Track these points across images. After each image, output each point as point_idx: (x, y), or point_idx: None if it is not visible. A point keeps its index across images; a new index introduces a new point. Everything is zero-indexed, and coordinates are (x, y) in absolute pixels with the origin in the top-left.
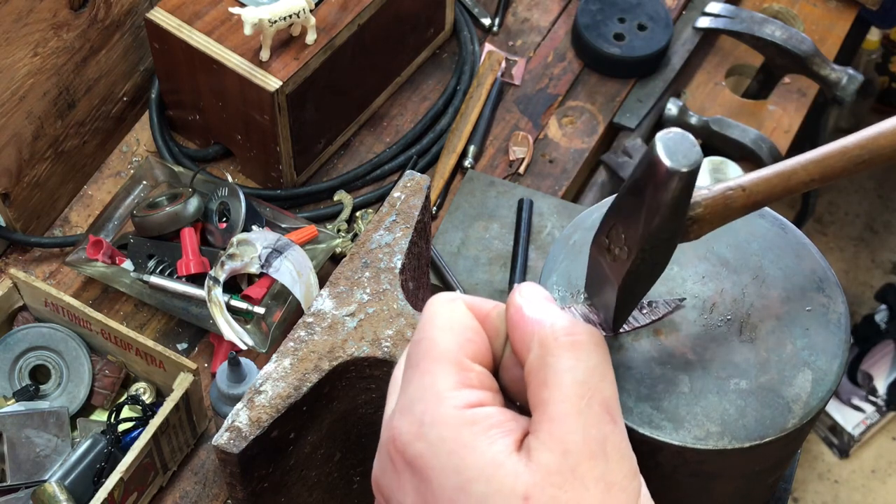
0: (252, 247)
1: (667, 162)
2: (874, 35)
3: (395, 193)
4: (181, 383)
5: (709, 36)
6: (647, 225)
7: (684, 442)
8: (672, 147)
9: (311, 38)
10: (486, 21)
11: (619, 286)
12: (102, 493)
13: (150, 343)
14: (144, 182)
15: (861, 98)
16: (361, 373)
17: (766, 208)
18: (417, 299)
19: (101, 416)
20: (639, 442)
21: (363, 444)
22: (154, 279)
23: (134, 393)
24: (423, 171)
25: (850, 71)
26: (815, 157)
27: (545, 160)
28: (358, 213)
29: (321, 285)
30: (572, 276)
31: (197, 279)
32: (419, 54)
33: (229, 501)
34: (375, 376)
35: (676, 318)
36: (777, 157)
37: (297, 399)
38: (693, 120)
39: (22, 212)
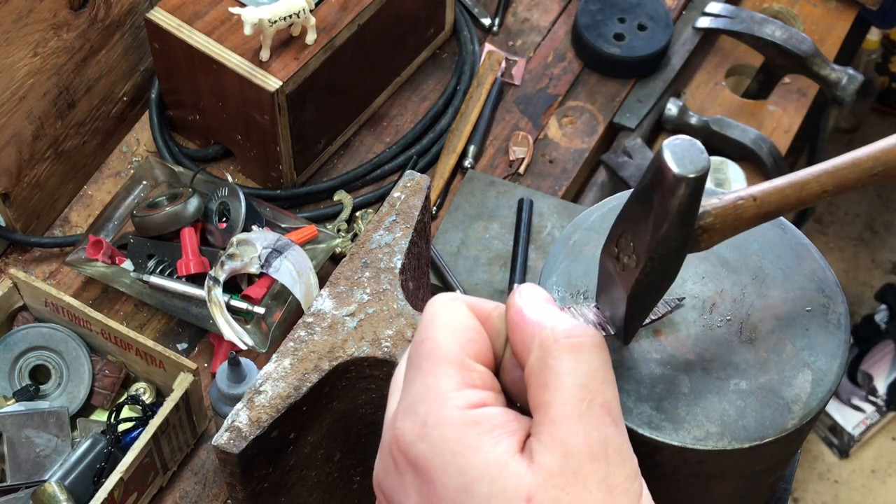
0: (252, 247)
1: (674, 168)
2: (874, 35)
3: (395, 193)
4: (181, 383)
5: (709, 36)
6: (655, 232)
7: (684, 442)
8: (679, 153)
9: (311, 38)
10: (486, 21)
11: (629, 295)
12: (102, 493)
13: (150, 343)
14: (144, 182)
15: (861, 98)
16: (361, 373)
17: None
18: (417, 299)
19: (101, 416)
20: (639, 442)
21: (363, 444)
22: (154, 279)
23: (134, 393)
24: (423, 171)
25: (850, 71)
26: (827, 169)
27: (545, 160)
28: (358, 213)
29: (321, 285)
30: (572, 276)
31: (197, 279)
32: (419, 54)
33: (229, 501)
34: (375, 376)
35: (676, 319)
36: (777, 157)
37: (297, 399)
38: (693, 120)
39: (22, 212)
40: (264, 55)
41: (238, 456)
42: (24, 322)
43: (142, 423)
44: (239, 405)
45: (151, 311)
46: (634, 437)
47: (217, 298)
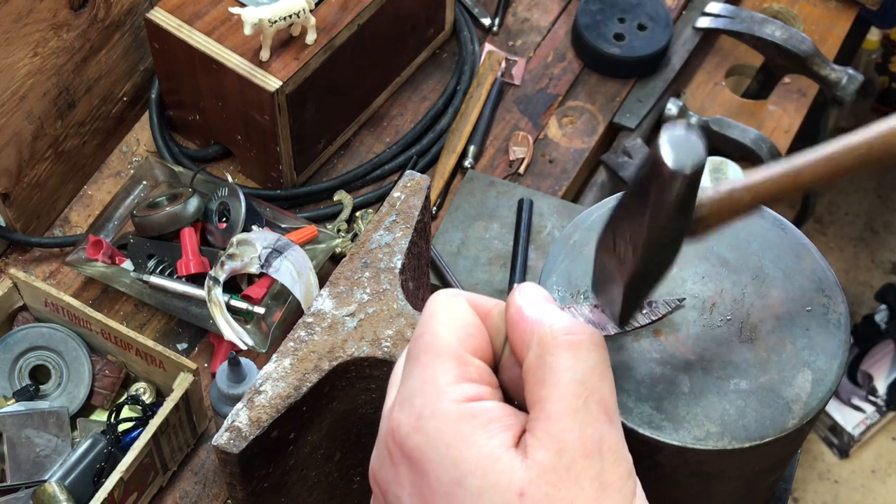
0: (252, 247)
1: (670, 163)
2: (874, 35)
3: (395, 193)
4: (181, 383)
5: (709, 36)
6: (651, 225)
7: (684, 442)
8: (676, 146)
9: (311, 38)
10: (486, 21)
11: (625, 286)
12: (102, 493)
13: (150, 343)
14: (144, 182)
15: (861, 98)
16: (361, 373)
17: (766, 208)
18: (417, 299)
19: (101, 416)
20: (639, 442)
21: (363, 444)
22: (154, 279)
23: (134, 393)
24: (423, 171)
25: (850, 71)
26: (822, 156)
27: (545, 160)
28: (358, 213)
29: (321, 285)
30: (572, 276)
31: (197, 279)
32: (419, 54)
33: (229, 501)
34: (375, 376)
35: (676, 319)
36: (777, 157)
37: (297, 399)
38: (693, 120)
39: (22, 212)
40: (264, 55)
41: (238, 456)
42: (24, 322)
43: (142, 423)
44: (239, 405)
45: (151, 311)
46: (634, 436)
47: (217, 298)
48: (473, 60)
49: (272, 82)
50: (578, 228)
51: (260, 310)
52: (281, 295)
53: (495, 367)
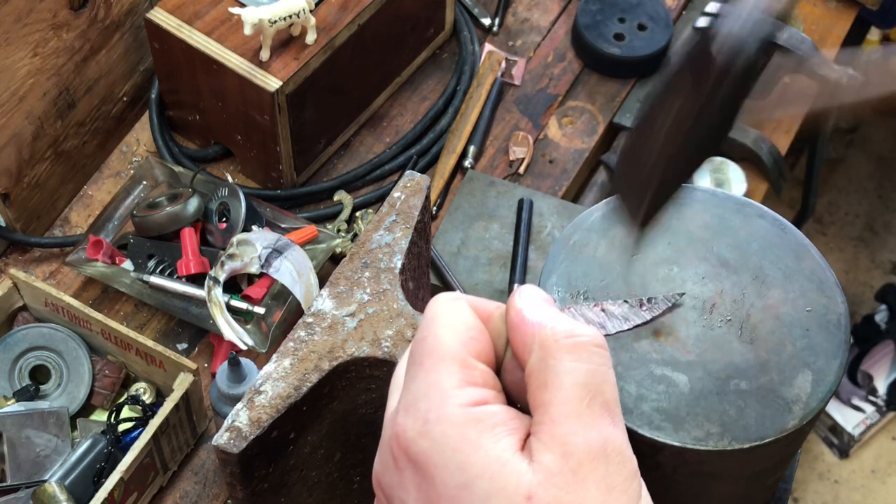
0: (252, 247)
1: (717, 56)
2: (874, 35)
3: (395, 193)
4: (181, 383)
5: None
6: (701, 112)
7: (684, 443)
8: (728, 34)
9: (311, 38)
10: (486, 21)
11: (662, 171)
12: (102, 493)
13: (150, 343)
14: (144, 182)
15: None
16: (361, 373)
17: (766, 208)
18: (417, 299)
19: (101, 416)
20: (639, 442)
21: (363, 444)
22: (154, 279)
23: (134, 393)
24: (423, 171)
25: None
26: None
27: (545, 160)
28: (358, 213)
29: (321, 285)
30: (572, 276)
31: (197, 279)
32: (419, 54)
33: (229, 501)
34: (375, 376)
35: (676, 319)
36: (777, 157)
37: (297, 399)
38: None
39: (22, 212)
40: (264, 55)
41: (238, 456)
42: (24, 322)
43: (142, 423)
44: (239, 405)
45: (151, 311)
46: (635, 437)
47: (217, 298)
48: (473, 60)
49: (272, 82)
50: (578, 229)
51: (260, 310)
52: (281, 295)
53: (497, 369)
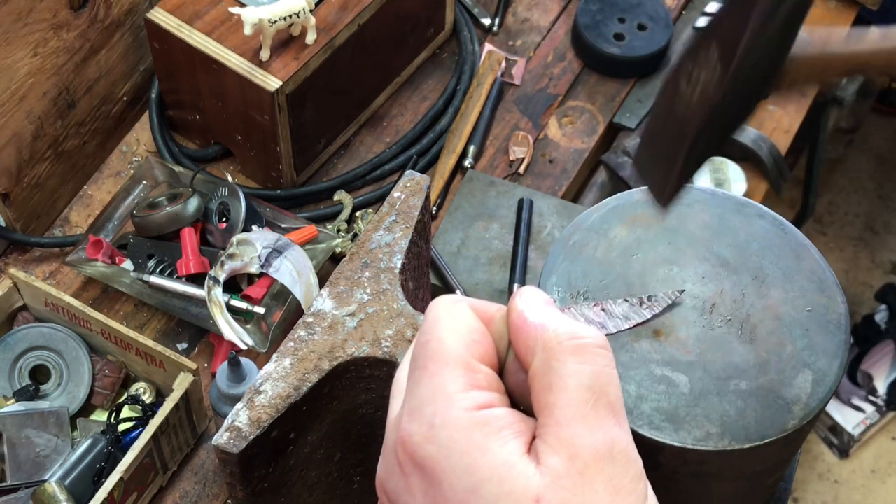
0: (252, 247)
1: None
2: None
3: (395, 193)
4: (181, 383)
5: None
6: (755, 33)
7: (684, 443)
8: None
9: (311, 38)
10: (486, 21)
11: (696, 132)
12: (102, 493)
13: (150, 343)
14: (144, 182)
15: (861, 98)
16: (361, 373)
17: (766, 208)
18: (417, 299)
19: (101, 416)
20: (639, 443)
21: (363, 444)
22: (154, 279)
23: (134, 393)
24: (423, 171)
25: None
26: None
27: (545, 160)
28: (358, 213)
29: (321, 285)
30: (572, 276)
31: (197, 279)
32: (419, 54)
33: (229, 501)
34: (375, 376)
35: (677, 319)
36: (777, 157)
37: (297, 399)
38: None
39: (22, 212)
40: (264, 55)
41: (238, 456)
42: (24, 322)
43: (142, 423)
44: (239, 405)
45: (151, 311)
46: (635, 437)
47: (217, 298)
48: (473, 60)
49: (272, 82)
50: (578, 229)
51: (260, 310)
52: (281, 295)
53: (500, 372)
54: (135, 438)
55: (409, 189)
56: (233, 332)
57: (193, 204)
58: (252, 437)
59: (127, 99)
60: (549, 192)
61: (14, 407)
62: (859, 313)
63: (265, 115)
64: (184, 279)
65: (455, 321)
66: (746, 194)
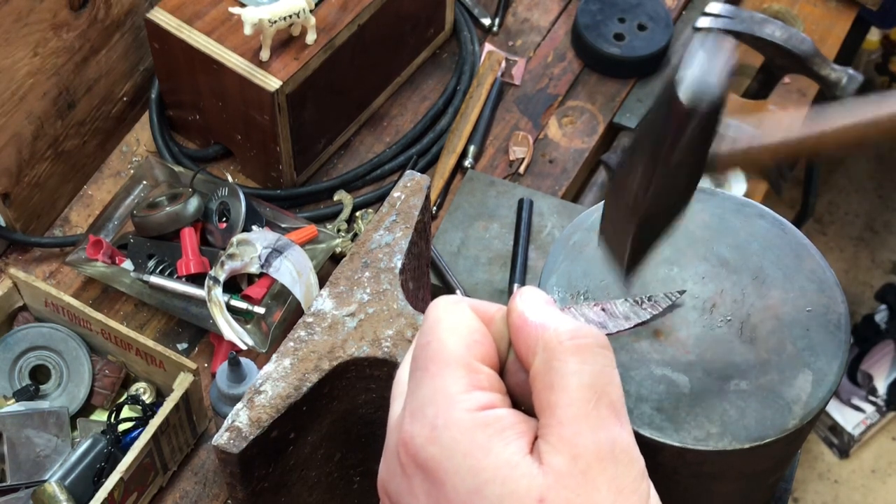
0: (252, 247)
1: (685, 98)
2: (874, 35)
3: (395, 193)
4: (181, 383)
5: None
6: (666, 161)
7: (685, 443)
8: (693, 81)
9: (311, 38)
10: (486, 21)
11: (636, 227)
12: (102, 493)
13: (150, 343)
14: (144, 182)
15: None
16: (361, 373)
17: (766, 208)
18: (417, 299)
19: (101, 416)
20: (640, 443)
21: (363, 444)
22: (154, 279)
23: (134, 393)
24: (423, 171)
25: (850, 71)
26: (847, 124)
27: (545, 160)
28: (358, 213)
29: (321, 285)
30: (572, 276)
31: (197, 279)
32: (419, 54)
33: (229, 501)
34: (375, 376)
35: (677, 320)
36: None
37: (297, 399)
38: None
39: (22, 212)
40: (264, 55)
41: (238, 456)
42: (24, 322)
43: (142, 423)
44: (239, 405)
45: (151, 311)
46: (635, 437)
47: (217, 298)
48: (473, 60)
49: (272, 82)
50: (578, 229)
51: (260, 310)
52: (281, 295)
53: (500, 372)
54: (135, 438)
55: (409, 189)
56: (233, 332)
57: (193, 204)
58: (252, 437)
59: (127, 99)
60: (549, 192)
61: (14, 407)
62: (859, 313)
63: (265, 115)
64: (184, 279)
65: (456, 322)
66: (746, 194)
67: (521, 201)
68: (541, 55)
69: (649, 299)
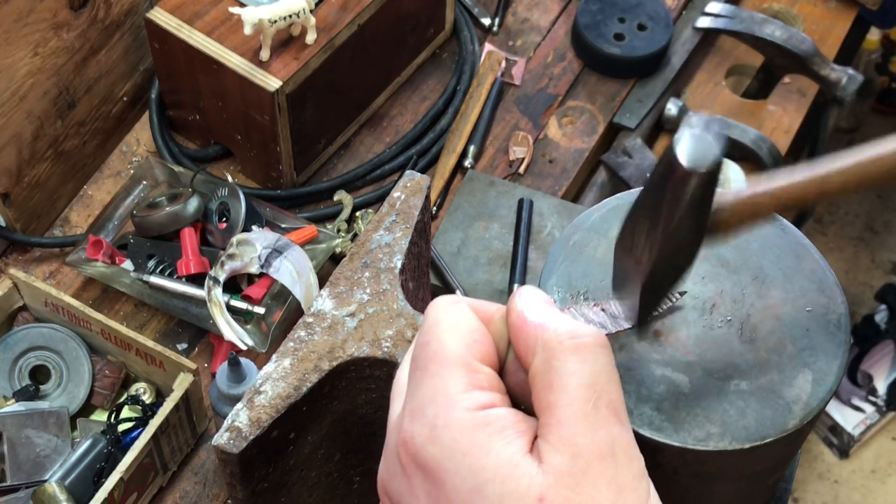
0: (252, 247)
1: (685, 161)
2: (874, 35)
3: (395, 193)
4: (181, 383)
5: (709, 36)
6: (666, 224)
7: (685, 443)
8: (692, 145)
9: (311, 38)
10: (486, 21)
11: (642, 286)
12: (102, 493)
13: (150, 343)
14: (144, 182)
15: (861, 98)
16: (361, 373)
17: None
18: (417, 299)
19: (101, 416)
20: (640, 443)
21: (363, 444)
22: (154, 279)
23: (134, 393)
24: (423, 171)
25: (850, 71)
26: (849, 165)
27: (545, 160)
28: (358, 213)
29: (321, 285)
30: (572, 277)
31: (197, 279)
32: (419, 54)
33: (229, 501)
34: (375, 376)
35: (677, 319)
36: (777, 157)
37: (296, 399)
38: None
39: (22, 212)
40: (264, 55)
41: (238, 456)
42: (24, 322)
43: (142, 423)
44: (239, 405)
45: (151, 311)
46: (635, 437)
47: (217, 298)
48: (473, 60)
49: (272, 82)
50: (578, 229)
51: (260, 310)
52: (281, 295)
53: (500, 371)
54: (135, 438)
55: (409, 189)
56: (233, 332)
57: (193, 204)
58: (252, 437)
59: (127, 99)
60: (549, 192)
61: (14, 407)
62: (859, 313)
63: (265, 115)
64: (184, 279)
65: (455, 321)
66: None
67: (521, 201)
68: (541, 55)
69: None
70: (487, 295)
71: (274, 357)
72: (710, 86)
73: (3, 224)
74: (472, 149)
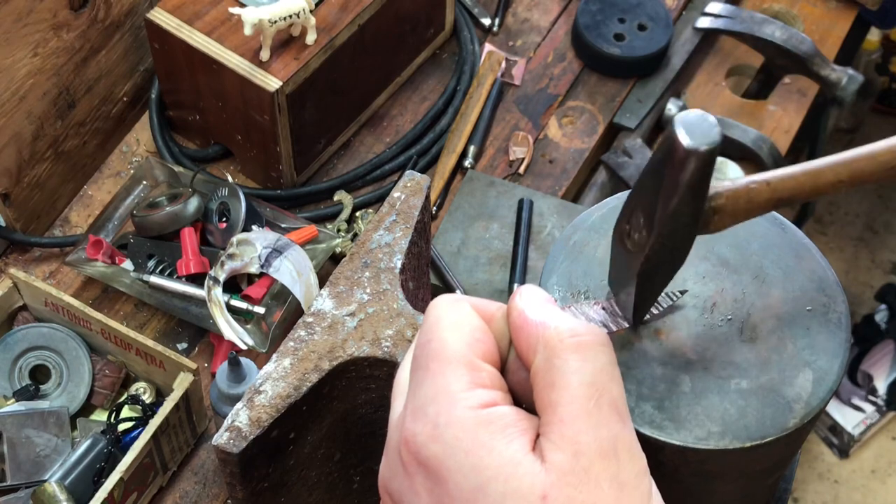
0: (252, 247)
1: (685, 141)
2: (874, 35)
3: (395, 193)
4: (181, 383)
5: (709, 36)
6: (664, 207)
7: (685, 442)
8: (691, 127)
9: (311, 38)
10: (486, 21)
11: (639, 273)
12: (102, 493)
13: (150, 343)
14: (144, 182)
15: (861, 98)
16: (361, 373)
17: None
18: (417, 299)
19: (101, 416)
20: (640, 442)
21: (363, 444)
22: (154, 279)
23: (134, 393)
24: (423, 171)
25: (850, 71)
26: (843, 160)
27: (545, 160)
28: (358, 213)
29: (321, 285)
30: (572, 276)
31: (197, 279)
32: (419, 54)
33: (229, 501)
34: (375, 376)
35: (677, 318)
36: (777, 157)
37: (296, 399)
38: None
39: (22, 212)
40: (264, 55)
41: (238, 456)
42: (24, 322)
43: (142, 423)
44: (239, 405)
45: (151, 311)
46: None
47: (217, 298)
48: (473, 60)
49: (272, 82)
50: (578, 229)
51: (260, 310)
52: (281, 295)
53: (501, 370)
54: (135, 438)
55: (409, 189)
56: (233, 332)
57: (193, 204)
58: (252, 437)
59: (127, 99)
60: (549, 192)
61: (14, 407)
62: (859, 313)
63: (265, 115)
64: (184, 279)
65: (456, 320)
66: None
67: (521, 201)
68: (541, 55)
69: None
70: (487, 295)
71: (274, 357)
72: (710, 86)
73: (3, 224)
74: (472, 149)
